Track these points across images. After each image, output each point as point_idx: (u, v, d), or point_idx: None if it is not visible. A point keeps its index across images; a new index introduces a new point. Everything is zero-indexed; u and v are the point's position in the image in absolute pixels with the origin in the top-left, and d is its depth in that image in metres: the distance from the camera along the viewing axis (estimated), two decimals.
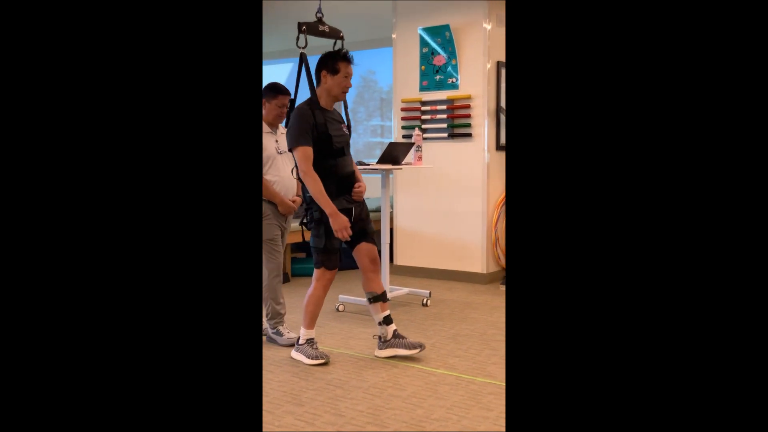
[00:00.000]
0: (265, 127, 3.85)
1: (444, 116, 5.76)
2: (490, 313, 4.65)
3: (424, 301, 4.94)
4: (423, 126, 5.86)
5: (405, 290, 4.99)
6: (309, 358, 3.49)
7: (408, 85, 5.96)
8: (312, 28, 3.75)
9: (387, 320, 3.56)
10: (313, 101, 3.42)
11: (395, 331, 3.59)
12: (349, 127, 3.62)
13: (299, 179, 3.43)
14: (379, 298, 3.55)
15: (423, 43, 5.83)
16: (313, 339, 3.55)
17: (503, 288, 5.49)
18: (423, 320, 4.47)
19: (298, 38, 3.60)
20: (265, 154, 3.80)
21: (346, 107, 3.74)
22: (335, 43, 3.81)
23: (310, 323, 3.53)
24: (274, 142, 3.88)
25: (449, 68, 5.71)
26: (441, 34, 5.70)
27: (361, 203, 3.52)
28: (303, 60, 3.58)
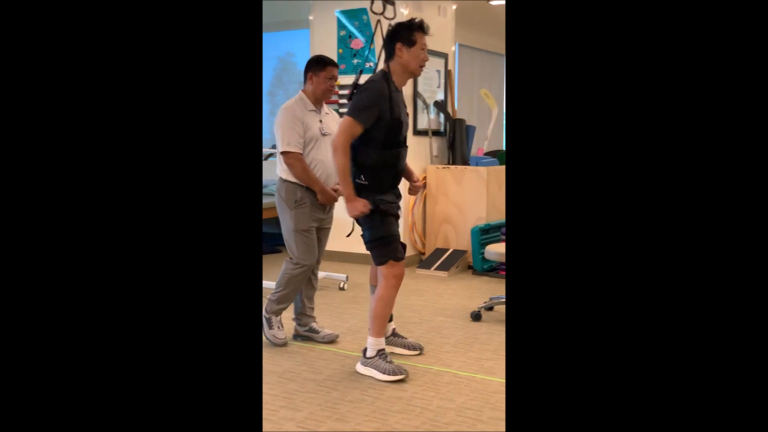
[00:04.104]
0: (309, 105, 3.44)
1: None
2: (407, 296, 4.70)
3: (341, 285, 4.94)
4: (341, 110, 5.83)
5: (322, 274, 4.97)
6: (385, 373, 3.02)
7: None
8: None
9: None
10: (388, 78, 3.03)
11: (394, 329, 3.44)
12: (419, 104, 3.24)
13: (353, 165, 3.02)
14: None
15: (340, 26, 5.79)
16: (384, 350, 3.11)
17: (419, 272, 5.56)
18: (340, 304, 4.48)
19: (373, 2, 3.33)
20: (308, 134, 3.38)
21: (415, 82, 3.18)
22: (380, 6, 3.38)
23: (380, 330, 3.08)
24: (319, 122, 3.45)
25: (366, 52, 5.69)
26: (359, 17, 5.68)
27: None
28: (378, 26, 3.21)
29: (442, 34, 6.09)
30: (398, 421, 2.61)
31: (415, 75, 3.11)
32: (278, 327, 3.53)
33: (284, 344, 3.52)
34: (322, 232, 3.58)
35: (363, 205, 2.98)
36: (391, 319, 3.37)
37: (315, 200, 3.42)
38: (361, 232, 3.13)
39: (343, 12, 5.76)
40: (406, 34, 3.02)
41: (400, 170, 3.14)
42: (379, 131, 2.98)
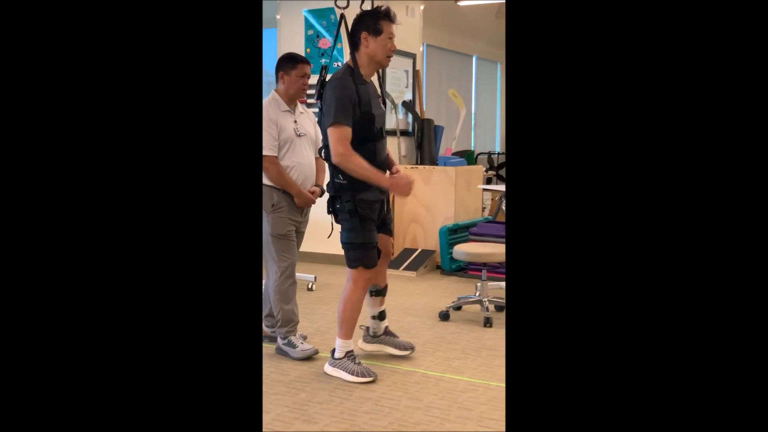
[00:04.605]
0: (282, 105, 3.33)
1: None
2: None
3: (310, 286, 4.92)
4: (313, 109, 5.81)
5: None
6: (353, 374, 3.00)
7: None
8: None
9: (381, 316, 3.32)
10: (354, 71, 2.92)
11: (387, 327, 3.38)
12: (384, 101, 3.14)
13: (331, 165, 2.94)
14: (381, 292, 3.27)
15: (308, 25, 5.77)
16: (352, 351, 3.08)
17: (388, 272, 5.54)
18: (308, 304, 4.45)
19: None
20: (282, 136, 3.26)
21: (381, 77, 3.06)
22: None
23: (348, 332, 3.06)
24: (293, 122, 3.34)
25: (335, 52, 5.68)
26: (326, 16, 5.66)
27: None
28: (343, 22, 3.11)
29: (410, 35, 6.10)
30: (366, 421, 2.60)
31: (382, 65, 2.99)
32: (301, 342, 3.37)
33: (315, 352, 3.35)
34: (297, 235, 3.48)
35: (404, 180, 2.92)
36: (383, 318, 3.32)
37: (292, 203, 3.33)
38: (340, 230, 3.07)
39: (311, 11, 5.74)
40: (372, 22, 2.89)
41: (379, 164, 2.99)
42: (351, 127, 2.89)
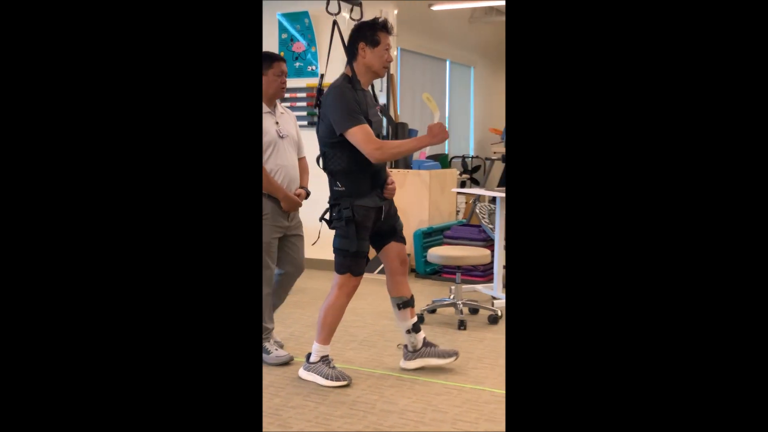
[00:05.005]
0: (263, 106, 3.21)
1: (304, 104, 5.73)
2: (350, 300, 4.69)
3: None
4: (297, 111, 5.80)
5: None
6: (327, 378, 2.99)
7: None
8: None
9: (416, 327, 3.17)
10: (352, 79, 2.95)
11: (425, 338, 3.22)
12: (381, 110, 3.10)
13: (329, 173, 2.91)
14: (408, 303, 3.15)
15: (282, 29, 5.76)
16: (328, 356, 3.06)
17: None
18: (283, 308, 4.43)
19: (328, 3, 3.15)
20: (265, 138, 3.16)
21: (373, 87, 3.12)
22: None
23: (327, 338, 3.04)
24: (275, 124, 3.25)
25: (309, 56, 5.68)
26: (300, 20, 5.66)
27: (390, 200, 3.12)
28: (336, 29, 3.13)
29: None
30: (341, 425, 2.61)
31: (379, 76, 3.02)
32: (276, 348, 3.32)
33: (290, 359, 3.31)
34: (294, 239, 3.37)
35: (437, 127, 2.86)
36: (418, 329, 3.17)
37: (277, 208, 3.23)
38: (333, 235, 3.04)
39: (285, 15, 5.73)
40: (370, 33, 2.94)
41: (378, 170, 2.99)
42: None
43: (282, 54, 5.77)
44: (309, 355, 3.09)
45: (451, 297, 4.25)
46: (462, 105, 9.45)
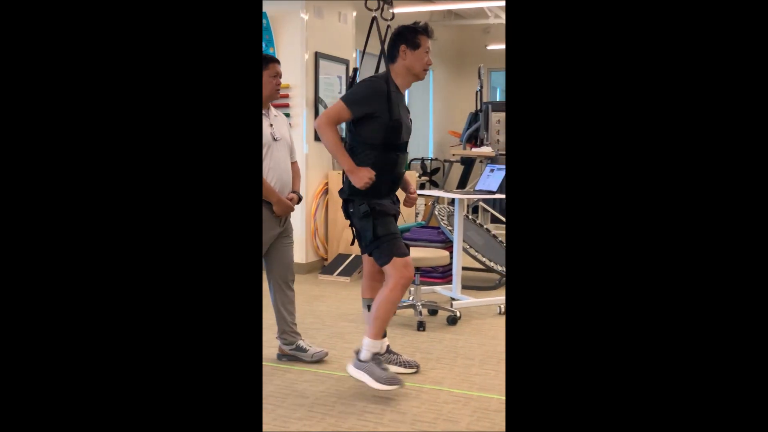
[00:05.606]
0: None
1: None
2: (309, 302, 4.68)
3: None
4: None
5: None
6: (378, 382, 2.84)
7: None
8: None
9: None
10: (388, 79, 2.95)
11: (388, 346, 3.18)
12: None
13: (336, 169, 2.87)
14: None
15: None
16: (380, 354, 2.94)
17: (322, 277, 5.55)
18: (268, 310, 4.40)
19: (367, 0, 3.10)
20: None
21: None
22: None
23: (378, 332, 2.90)
24: (269, 126, 3.21)
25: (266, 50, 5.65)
26: None
27: None
28: (375, 25, 3.11)
29: (343, 41, 6.12)
30: (299, 428, 2.60)
31: (419, 78, 3.05)
32: (309, 345, 3.37)
33: (325, 355, 3.36)
34: (284, 244, 3.32)
35: (367, 173, 2.83)
36: (384, 335, 3.03)
37: (269, 213, 3.17)
38: (358, 239, 2.99)
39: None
40: (411, 36, 2.98)
41: (398, 176, 3.01)
42: (377, 132, 2.90)
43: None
44: (358, 352, 2.94)
45: (410, 298, 4.27)
46: (421, 107, 9.50)
